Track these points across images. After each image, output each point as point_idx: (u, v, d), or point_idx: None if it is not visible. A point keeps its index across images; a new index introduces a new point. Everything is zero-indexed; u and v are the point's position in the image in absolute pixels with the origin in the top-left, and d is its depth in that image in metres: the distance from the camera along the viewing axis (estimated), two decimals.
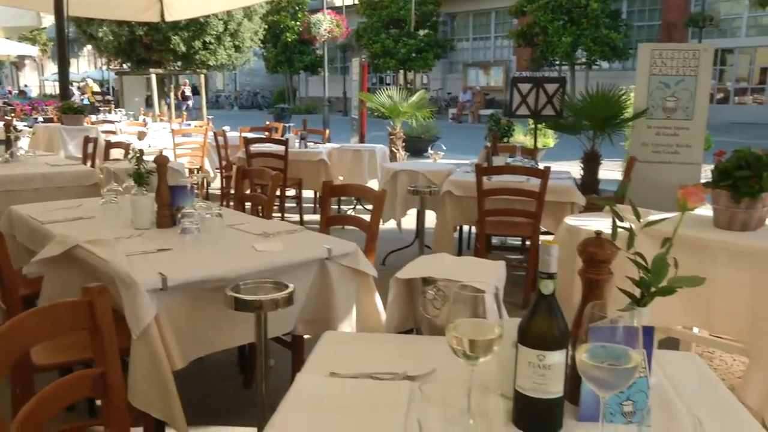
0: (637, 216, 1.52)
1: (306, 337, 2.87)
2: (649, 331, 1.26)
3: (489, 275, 1.71)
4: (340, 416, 1.27)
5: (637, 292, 1.43)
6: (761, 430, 1.29)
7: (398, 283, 1.83)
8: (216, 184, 8.82)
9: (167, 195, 3.04)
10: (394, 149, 8.47)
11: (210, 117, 13.36)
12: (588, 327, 1.18)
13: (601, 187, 6.78)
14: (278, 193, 6.89)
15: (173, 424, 2.30)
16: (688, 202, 1.38)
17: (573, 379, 1.32)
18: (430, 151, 8.03)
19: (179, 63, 17.23)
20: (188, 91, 32.63)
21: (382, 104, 8.79)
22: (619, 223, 1.44)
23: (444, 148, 8.69)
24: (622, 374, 1.12)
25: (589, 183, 6.50)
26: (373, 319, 2.74)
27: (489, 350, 1.22)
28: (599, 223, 3.68)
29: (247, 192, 5.33)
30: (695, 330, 2.76)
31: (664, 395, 1.41)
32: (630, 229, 1.47)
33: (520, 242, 6.18)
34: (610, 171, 10.08)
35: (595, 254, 1.31)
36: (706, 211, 2.65)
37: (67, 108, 8.16)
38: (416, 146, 12.88)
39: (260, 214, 4.05)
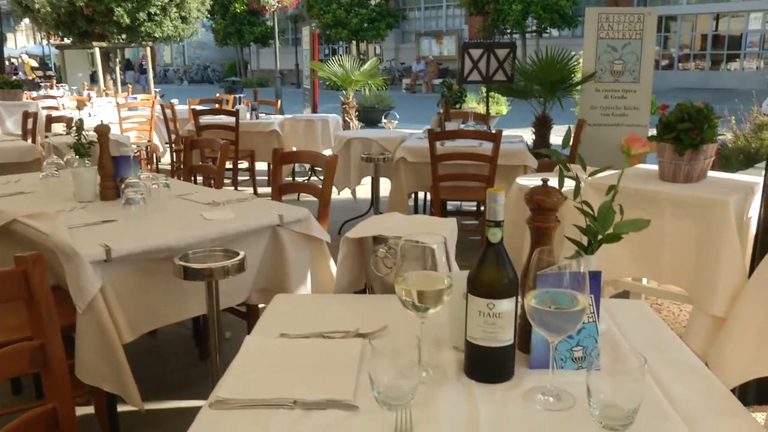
0: (584, 166, 1.53)
1: (261, 306, 2.83)
2: (596, 276, 1.27)
3: (439, 231, 1.69)
4: (291, 374, 1.25)
5: (584, 240, 1.44)
6: (706, 370, 1.31)
7: (348, 243, 1.81)
8: (166, 160, 8.62)
9: (110, 166, 2.95)
10: (347, 119, 8.39)
11: (158, 90, 13.02)
12: (536, 274, 1.18)
13: (554, 147, 6.83)
14: (230, 165, 6.78)
15: (127, 397, 2.25)
16: (632, 148, 1.38)
17: (523, 328, 1.32)
18: (384, 120, 7.99)
19: (123, 36, 16.69)
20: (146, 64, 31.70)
21: (333, 73, 8.68)
22: (565, 174, 1.44)
23: (398, 117, 8.65)
24: (570, 317, 1.13)
25: (540, 147, 6.56)
26: (328, 284, 2.71)
27: (439, 301, 1.21)
28: (553, 182, 3.71)
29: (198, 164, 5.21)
30: (644, 281, 2.82)
31: (612, 340, 1.42)
32: (576, 179, 1.47)
33: (474, 207, 6.22)
34: (561, 136, 10.15)
35: (542, 202, 1.31)
36: (651, 165, 2.70)
37: (3, 83, 7.83)
38: (370, 116, 12.81)
39: (211, 186, 3.97)
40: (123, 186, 2.82)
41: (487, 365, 1.24)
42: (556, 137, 7.92)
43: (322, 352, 1.34)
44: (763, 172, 2.23)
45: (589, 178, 1.54)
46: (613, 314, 1.57)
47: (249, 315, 2.89)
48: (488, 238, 1.20)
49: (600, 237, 1.41)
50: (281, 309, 1.64)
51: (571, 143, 1.25)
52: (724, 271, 2.20)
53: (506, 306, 1.19)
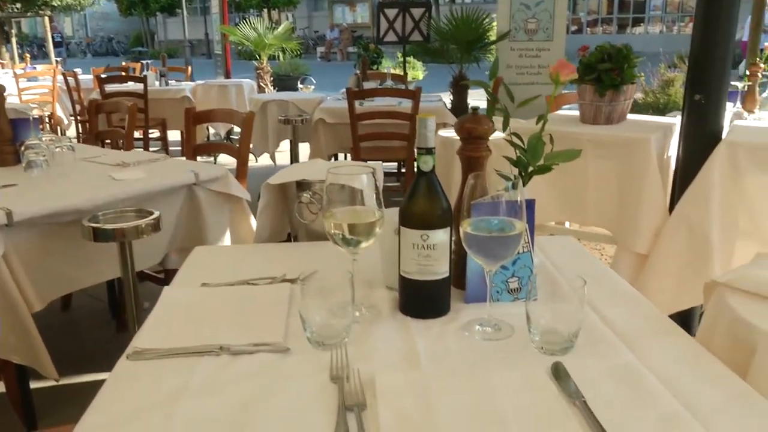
0: (511, 97, 1.49)
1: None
2: (531, 205, 1.23)
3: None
4: (215, 322, 1.16)
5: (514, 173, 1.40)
6: (639, 296, 1.31)
7: (270, 190, 1.72)
8: (71, 134, 8.16)
9: (8, 129, 2.73)
10: (262, 84, 8.16)
11: (59, 59, 12.28)
12: (470, 203, 1.13)
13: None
14: (140, 135, 6.47)
15: (39, 368, 2.10)
16: (561, 75, 1.35)
17: (457, 263, 1.28)
18: (300, 86, 7.81)
19: (18, 5, 15.64)
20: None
21: (246, 37, 8.40)
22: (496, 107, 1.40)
23: (314, 82, 8.49)
24: (507, 242, 1.09)
25: (458, 108, 6.57)
26: (249, 242, 2.62)
27: (371, 233, 1.15)
28: None
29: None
30: (567, 225, 2.86)
31: (546, 271, 1.40)
32: (504, 110, 1.43)
33: (395, 169, 6.18)
34: (478, 100, 10.25)
35: (472, 130, 1.26)
36: (572, 111, 2.72)
37: None
38: (285, 84, 12.53)
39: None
40: (23, 149, 2.62)
41: (422, 300, 1.19)
42: (474, 101, 7.98)
43: (247, 298, 1.26)
44: (680, 113, 2.29)
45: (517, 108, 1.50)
46: (544, 249, 1.55)
47: (168, 281, 2.74)
48: (419, 166, 1.15)
49: (531, 168, 1.37)
50: (202, 260, 1.54)
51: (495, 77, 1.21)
52: (646, 209, 2.24)
53: (441, 237, 1.14)
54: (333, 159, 5.81)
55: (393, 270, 1.29)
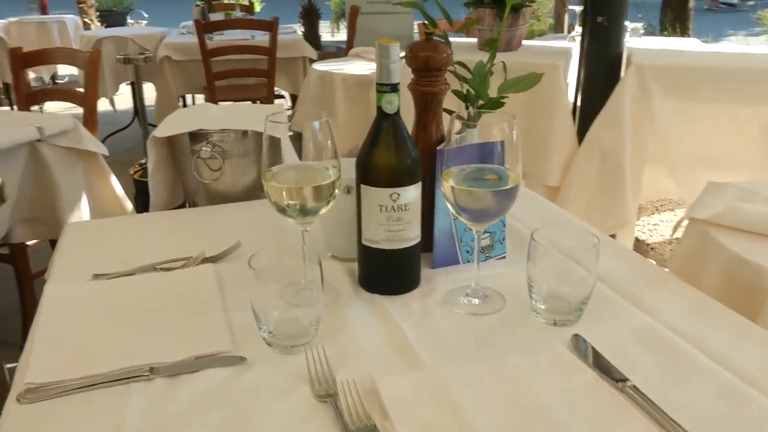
0: (449, 20, 1.27)
1: (29, 244, 2.28)
2: (501, 146, 1.04)
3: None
4: (130, 330, 0.88)
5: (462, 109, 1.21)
6: (613, 241, 1.18)
7: (158, 145, 1.39)
8: None
9: None
10: (87, 20, 7.26)
11: None
12: (446, 150, 0.92)
13: (324, 43, 6.57)
14: None
15: None
16: None
17: (422, 220, 1.07)
18: (129, 21, 7.07)
19: None
20: None
21: None
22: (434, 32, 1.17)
23: (146, 15, 7.68)
24: (505, 196, 0.90)
25: (310, 39, 6.22)
26: (114, 205, 2.24)
27: (330, 197, 0.91)
28: (352, 66, 3.43)
29: None
30: None
31: (509, 224, 1.24)
32: (445, 36, 1.21)
33: None
34: (327, 33, 9.93)
35: (429, 60, 1.04)
36: (470, 39, 2.54)
37: None
38: (111, 20, 11.39)
39: None
40: None
41: (392, 273, 0.98)
42: (325, 33, 7.64)
43: (164, 292, 0.97)
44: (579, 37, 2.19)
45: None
46: None
47: (15, 256, 2.31)
48: (382, 107, 0.91)
49: (482, 102, 1.18)
50: (80, 241, 1.21)
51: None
52: (556, 139, 2.14)
53: (413, 194, 0.93)
54: (181, 101, 5.32)
55: (342, 236, 1.06)
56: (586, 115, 2.17)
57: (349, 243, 1.02)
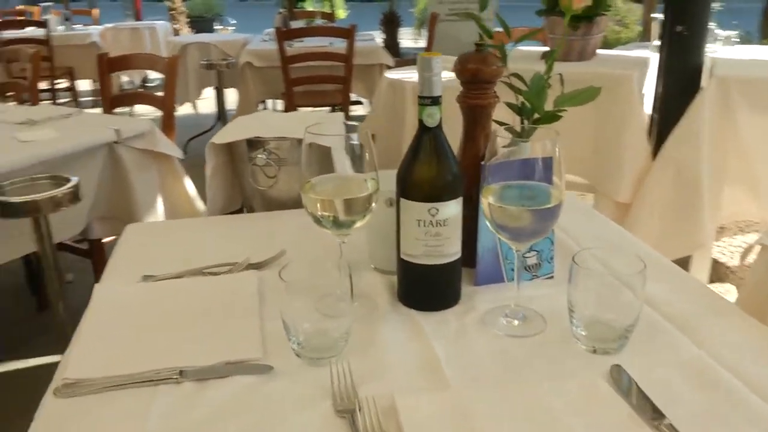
0: (507, 32, 1.24)
1: (106, 240, 2.38)
2: (548, 164, 1.00)
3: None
4: (168, 333, 0.90)
5: (516, 122, 1.17)
6: (673, 266, 1.12)
7: (216, 151, 1.43)
8: None
9: None
10: (176, 26, 7.56)
11: None
12: (487, 165, 0.89)
13: (403, 49, 6.61)
14: (47, 86, 5.88)
15: None
16: (573, 3, 1.11)
17: (466, 235, 1.05)
18: (217, 26, 7.31)
19: None
20: None
21: None
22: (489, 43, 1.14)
23: (233, 22, 7.94)
24: (547, 216, 0.86)
25: (390, 46, 6.26)
26: (186, 207, 2.32)
27: (367, 210, 0.90)
28: None
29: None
30: None
31: (561, 241, 1.19)
32: (501, 48, 1.18)
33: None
34: (409, 40, 9.96)
35: (478, 72, 1.02)
36: (539, 47, 2.49)
37: None
38: (200, 26, 11.84)
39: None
40: None
41: (430, 288, 0.96)
42: (405, 40, 7.66)
43: (205, 297, 0.99)
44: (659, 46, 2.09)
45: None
46: None
47: (92, 252, 2.42)
48: (423, 120, 0.90)
49: (538, 116, 1.14)
50: (137, 241, 1.25)
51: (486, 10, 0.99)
52: (628, 153, 2.05)
53: (453, 210, 0.91)
54: (262, 106, 5.45)
55: (384, 248, 1.05)
56: (663, 128, 2.07)
57: (391, 256, 1.01)
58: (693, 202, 1.96)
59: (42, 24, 5.66)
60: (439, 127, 0.90)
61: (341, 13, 13.58)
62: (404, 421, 0.70)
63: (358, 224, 0.90)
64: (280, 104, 5.46)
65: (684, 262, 2.44)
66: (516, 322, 0.92)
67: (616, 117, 2.06)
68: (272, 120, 1.50)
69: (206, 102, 5.70)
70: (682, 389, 0.77)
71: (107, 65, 2.77)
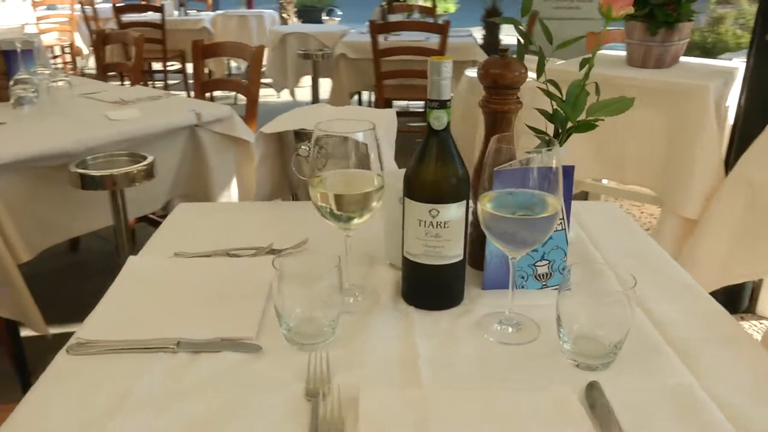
0: (549, 38, 1.22)
1: None
2: (568, 173, 0.99)
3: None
4: (178, 307, 0.97)
5: (549, 129, 1.16)
6: (696, 286, 1.08)
7: (266, 140, 1.49)
8: (92, 64, 7.93)
9: None
10: (285, 16, 7.80)
11: None
12: (493, 170, 0.90)
13: (503, 46, 6.52)
14: (160, 67, 6.24)
15: (28, 322, 1.97)
16: (613, 9, 1.08)
17: (476, 238, 1.06)
18: (324, 17, 7.46)
19: None
20: None
21: None
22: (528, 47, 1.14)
23: (340, 13, 8.08)
24: (537, 226, 0.86)
25: (490, 43, 6.21)
26: None
27: (365, 208, 0.93)
28: None
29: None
30: (604, 182, 2.59)
31: (582, 250, 1.18)
32: (540, 52, 1.17)
33: (422, 108, 5.90)
34: (512, 36, 9.75)
35: (499, 77, 1.02)
36: (618, 51, 2.41)
37: None
38: (310, 15, 12.12)
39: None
40: (12, 84, 2.42)
41: (429, 288, 0.98)
42: (507, 36, 7.54)
43: (222, 277, 1.05)
44: (746, 55, 1.97)
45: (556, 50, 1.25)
46: (580, 218, 1.32)
47: None
48: (430, 123, 0.91)
49: (571, 124, 1.13)
50: (181, 220, 1.34)
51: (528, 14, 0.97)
52: (699, 168, 1.95)
53: (454, 212, 0.92)
54: (357, 97, 5.55)
55: (397, 245, 1.07)
56: (742, 143, 1.96)
57: (401, 252, 1.03)
58: (765, 224, 1.84)
59: (159, 9, 6.00)
60: (446, 130, 0.92)
61: (451, 7, 13.52)
62: (362, 412, 0.73)
63: (357, 221, 0.93)
64: (372, 96, 5.55)
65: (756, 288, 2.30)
66: (509, 330, 0.92)
67: (689, 129, 1.96)
68: (325, 113, 1.55)
69: (304, 90, 5.86)
70: (659, 416, 0.75)
71: (201, 51, 2.92)
